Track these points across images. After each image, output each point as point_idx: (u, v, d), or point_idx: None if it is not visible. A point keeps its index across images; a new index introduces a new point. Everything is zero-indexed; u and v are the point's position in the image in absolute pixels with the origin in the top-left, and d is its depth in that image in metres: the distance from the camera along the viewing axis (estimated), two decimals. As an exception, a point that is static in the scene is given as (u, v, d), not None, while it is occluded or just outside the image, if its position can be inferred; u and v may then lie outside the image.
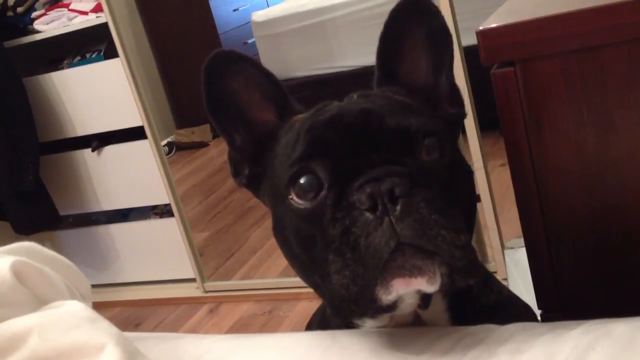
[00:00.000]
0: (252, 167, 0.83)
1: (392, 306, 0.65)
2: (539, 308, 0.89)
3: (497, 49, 0.78)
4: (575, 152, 0.79)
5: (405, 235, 0.62)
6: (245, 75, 0.80)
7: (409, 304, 0.68)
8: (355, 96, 0.77)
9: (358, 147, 0.68)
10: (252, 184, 0.84)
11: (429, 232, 0.63)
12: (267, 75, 0.81)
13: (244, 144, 0.83)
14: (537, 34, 0.76)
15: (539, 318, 0.88)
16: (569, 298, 0.87)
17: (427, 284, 0.63)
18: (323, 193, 0.69)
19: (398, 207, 0.63)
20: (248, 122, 0.82)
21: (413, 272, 0.62)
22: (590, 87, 0.76)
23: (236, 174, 0.85)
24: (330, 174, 0.68)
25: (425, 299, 0.69)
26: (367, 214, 0.64)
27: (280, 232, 0.76)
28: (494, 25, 0.78)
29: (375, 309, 0.65)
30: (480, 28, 0.78)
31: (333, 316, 0.85)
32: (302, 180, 0.70)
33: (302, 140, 0.71)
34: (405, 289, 0.64)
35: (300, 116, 0.79)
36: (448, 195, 0.68)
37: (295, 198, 0.70)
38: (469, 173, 0.77)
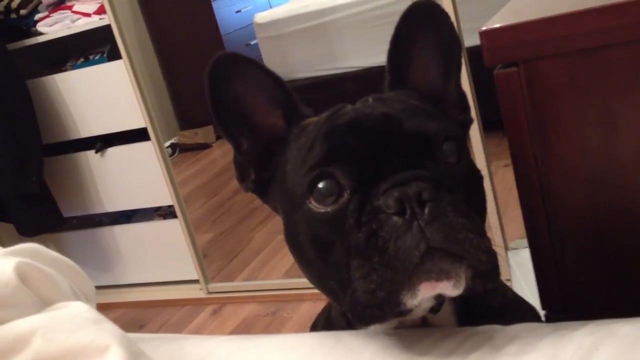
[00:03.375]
0: (259, 172, 0.82)
1: (410, 310, 0.64)
2: (543, 309, 0.89)
3: (500, 50, 0.78)
4: (579, 152, 0.79)
5: (435, 239, 0.62)
6: (250, 79, 0.78)
7: (424, 308, 0.69)
8: (370, 100, 0.76)
9: (378, 152, 0.68)
10: (259, 188, 0.83)
11: (458, 236, 0.63)
12: (274, 78, 0.79)
13: (250, 148, 0.81)
14: (540, 34, 0.76)
15: (543, 319, 0.88)
16: (573, 299, 0.86)
17: (452, 288, 0.63)
18: (345, 198, 0.68)
19: (426, 211, 0.63)
20: (254, 126, 0.80)
21: (440, 276, 0.62)
22: (594, 87, 0.76)
23: (242, 178, 0.84)
24: (352, 179, 0.68)
25: (439, 303, 0.69)
26: (395, 218, 0.63)
27: (294, 237, 0.74)
28: (497, 25, 0.77)
29: (396, 313, 0.64)
30: (484, 28, 0.78)
31: (338, 317, 0.84)
32: (321, 185, 0.69)
33: (320, 144, 0.71)
34: (430, 293, 0.64)
35: (312, 119, 0.78)
36: (466, 199, 0.68)
37: (314, 203, 0.69)
38: (480, 177, 0.77)
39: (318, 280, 0.74)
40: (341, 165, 0.68)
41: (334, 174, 0.68)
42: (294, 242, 0.75)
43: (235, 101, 0.78)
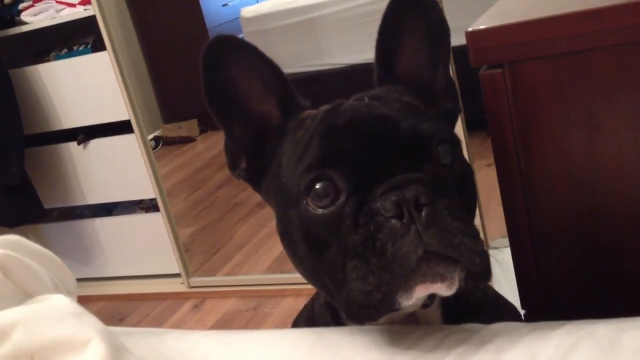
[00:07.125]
0: (251, 161, 0.81)
1: (403, 308, 0.65)
2: (523, 308, 0.89)
3: (485, 51, 0.79)
4: (561, 154, 0.80)
5: (432, 244, 0.63)
6: (246, 64, 0.77)
7: (416, 304, 0.69)
8: (366, 98, 0.75)
9: (375, 154, 0.68)
10: (251, 177, 0.82)
11: (454, 240, 0.63)
12: (270, 65, 0.78)
13: (242, 135, 0.80)
14: (525, 36, 0.76)
15: (523, 318, 0.89)
16: (553, 299, 0.87)
17: (446, 289, 0.64)
18: (342, 200, 0.68)
19: (423, 215, 0.63)
20: (248, 113, 0.79)
21: (435, 278, 0.63)
22: (578, 90, 0.77)
23: (233, 166, 0.83)
24: (349, 182, 0.67)
25: (431, 300, 0.70)
26: (393, 221, 0.63)
27: (288, 233, 0.74)
28: (483, 27, 0.78)
29: (390, 310, 0.65)
30: (470, 30, 0.78)
31: (322, 312, 0.84)
32: (317, 186, 0.68)
33: (317, 144, 0.70)
34: (424, 293, 0.65)
35: (310, 112, 0.77)
36: (460, 199, 0.68)
37: (310, 203, 0.69)
38: (471, 173, 0.77)
39: (312, 276, 0.74)
40: (338, 167, 0.68)
41: (331, 177, 0.68)
42: (287, 237, 0.75)
43: (229, 85, 0.77)
